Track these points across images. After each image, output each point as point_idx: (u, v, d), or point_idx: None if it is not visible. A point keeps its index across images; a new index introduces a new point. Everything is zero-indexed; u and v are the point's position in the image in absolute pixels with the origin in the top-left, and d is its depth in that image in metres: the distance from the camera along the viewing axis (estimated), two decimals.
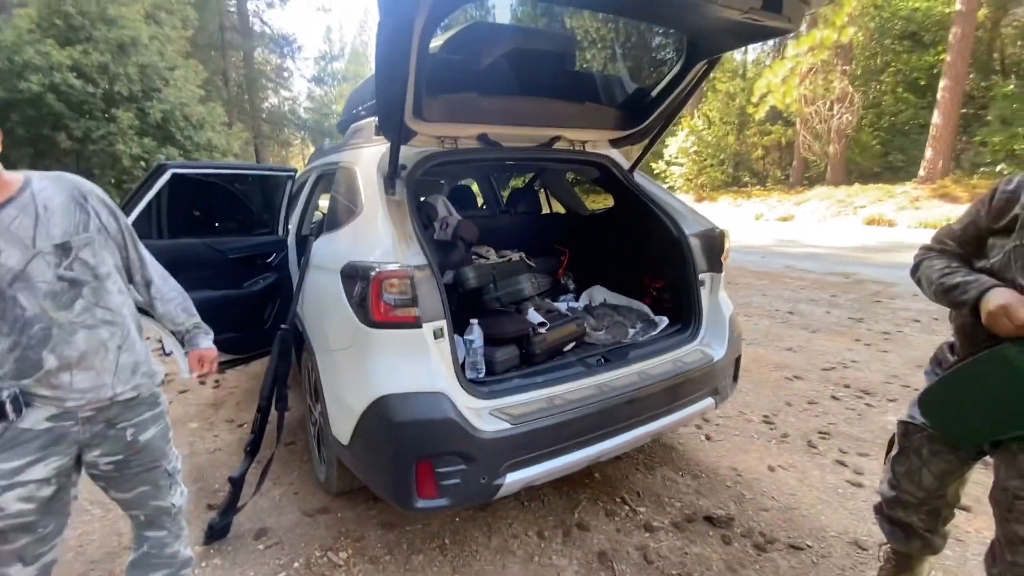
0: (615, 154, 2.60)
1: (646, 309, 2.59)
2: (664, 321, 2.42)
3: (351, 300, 1.68)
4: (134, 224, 2.40)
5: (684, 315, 2.34)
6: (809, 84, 16.23)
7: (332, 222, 2.15)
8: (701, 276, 2.30)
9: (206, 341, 1.58)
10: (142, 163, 10.83)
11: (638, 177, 2.58)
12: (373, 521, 2.14)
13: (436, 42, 2.05)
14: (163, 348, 3.57)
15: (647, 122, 2.43)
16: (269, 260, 3.03)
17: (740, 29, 1.78)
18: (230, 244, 2.86)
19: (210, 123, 12.67)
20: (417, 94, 1.77)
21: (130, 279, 1.42)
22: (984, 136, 14.01)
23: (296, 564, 1.91)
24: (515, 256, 2.72)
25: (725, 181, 20.58)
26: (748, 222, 15.70)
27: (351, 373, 1.73)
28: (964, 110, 14.73)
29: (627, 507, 2.20)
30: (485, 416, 1.65)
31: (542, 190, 3.66)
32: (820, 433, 2.78)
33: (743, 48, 17.69)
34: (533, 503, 2.23)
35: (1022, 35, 16.69)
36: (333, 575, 1.86)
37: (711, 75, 2.17)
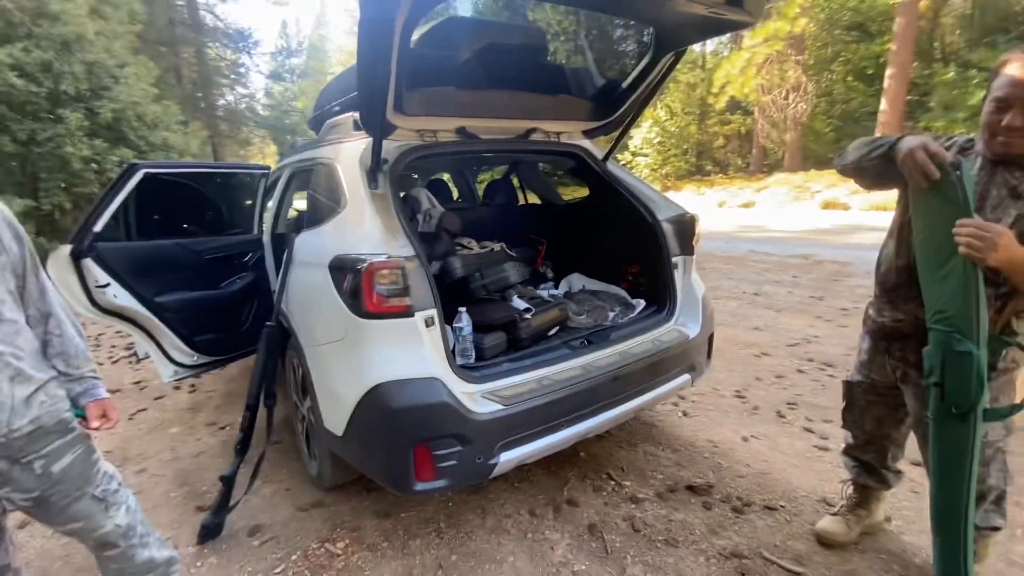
0: (589, 144, 2.69)
1: (623, 293, 2.69)
2: (641, 304, 2.53)
3: (341, 293, 1.70)
4: (106, 226, 2.37)
5: (660, 297, 2.45)
6: (765, 74, 16.80)
7: (314, 218, 2.16)
8: (674, 259, 2.41)
9: (104, 390, 1.44)
10: (94, 165, 10.32)
11: (611, 166, 2.67)
12: (368, 511, 2.17)
13: (413, 36, 2.08)
14: (135, 354, 3.49)
15: (618, 112, 2.53)
16: (246, 259, 3.00)
17: (705, 23, 1.88)
18: (205, 244, 2.82)
19: (165, 122, 12.15)
20: (398, 89, 1.80)
21: (25, 310, 1.29)
22: (927, 122, 14.77)
23: (294, 557, 1.93)
24: (496, 246, 2.78)
25: (689, 170, 21.09)
26: (712, 209, 16.15)
27: (344, 364, 1.76)
28: (909, 97, 15.47)
29: (613, 482, 2.30)
30: (478, 399, 1.71)
31: (519, 181, 3.72)
32: (788, 404, 2.96)
33: (702, 41, 18.17)
34: (523, 484, 2.31)
35: (960, 24, 17.66)
36: (332, 564, 1.89)
37: (677, 66, 2.27)
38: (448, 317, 1.99)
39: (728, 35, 19.50)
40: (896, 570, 1.75)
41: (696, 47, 22.81)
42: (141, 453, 2.76)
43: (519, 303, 2.26)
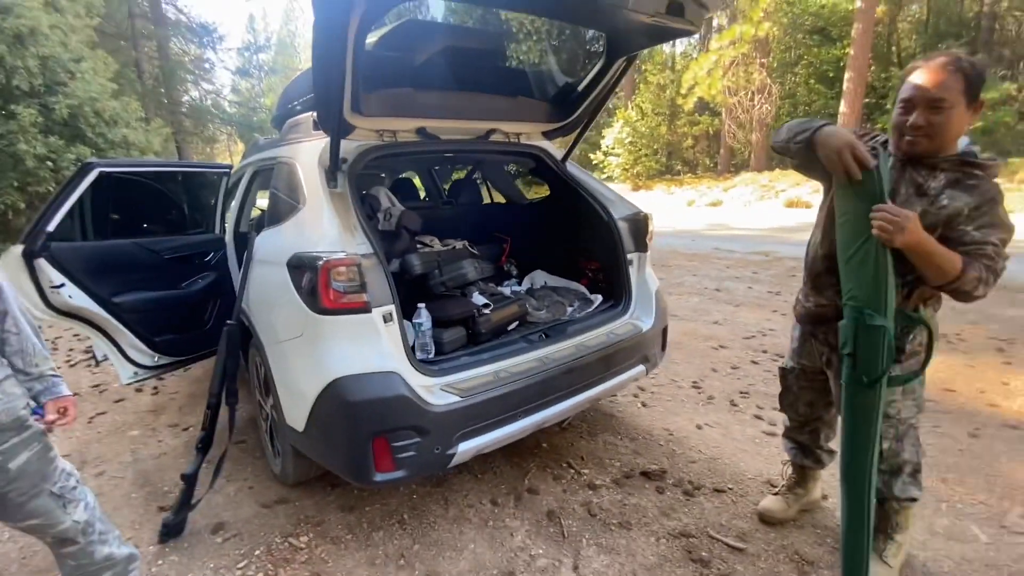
0: (548, 145, 2.77)
1: (583, 289, 2.79)
2: (599, 299, 2.62)
3: (300, 290, 1.74)
4: (59, 226, 2.33)
5: (616, 292, 2.55)
6: (732, 76, 17.25)
7: (274, 217, 2.18)
8: (629, 256, 2.51)
9: (65, 388, 1.47)
10: (49, 163, 9.94)
11: (570, 167, 2.75)
12: (332, 505, 2.21)
13: (371, 38, 2.12)
14: (94, 357, 3.42)
15: (575, 115, 2.61)
16: (207, 259, 2.98)
17: (650, 30, 1.98)
18: (165, 243, 2.79)
19: (124, 119, 11.78)
20: (355, 89, 1.84)
21: None
22: (884, 123, 15.42)
23: (257, 552, 1.96)
24: (459, 244, 2.84)
25: (659, 170, 21.49)
26: (681, 208, 16.51)
27: (303, 360, 1.79)
28: (867, 99, 16.14)
29: (572, 470, 2.39)
30: (436, 391, 1.77)
31: (483, 181, 3.78)
32: (741, 393, 3.10)
33: (671, 42, 18.46)
34: (486, 475, 2.38)
35: (916, 30, 18.47)
36: (295, 558, 1.92)
37: (632, 71, 2.37)
38: (409, 313, 2.05)
39: (696, 37, 19.95)
40: (829, 543, 1.88)
41: (666, 48, 23.30)
42: (100, 456, 2.72)
43: (479, 299, 2.32)
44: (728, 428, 2.72)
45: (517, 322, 2.38)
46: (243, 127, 23.67)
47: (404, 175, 4.26)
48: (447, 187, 4.21)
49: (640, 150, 20.49)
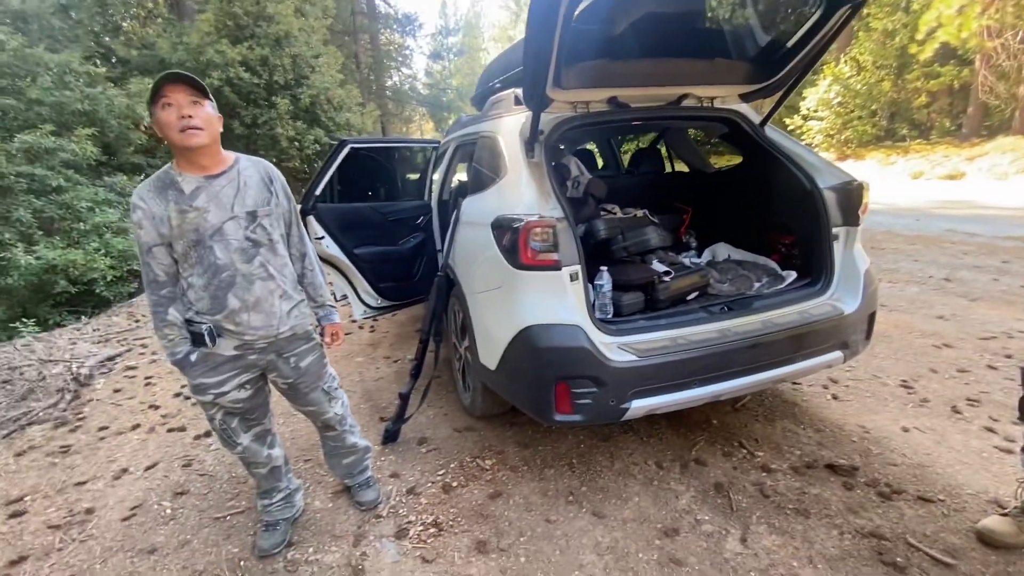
0: (745, 109, 2.60)
1: (773, 264, 2.60)
2: (792, 275, 2.43)
3: (501, 248, 1.98)
4: (321, 192, 2.98)
5: (814, 269, 2.34)
6: (994, 12, 13.42)
7: (477, 184, 2.48)
8: (835, 230, 2.27)
9: (337, 317, 1.90)
10: (296, 143, 12.40)
11: (769, 131, 2.56)
12: (510, 440, 2.51)
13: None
14: (334, 294, 4.31)
15: (781, 74, 2.40)
16: (418, 221, 3.51)
17: None
18: (389, 207, 3.37)
19: (348, 104, 14.03)
20: (557, 65, 1.98)
21: (289, 249, 1.72)
22: None
23: (452, 465, 2.35)
24: (639, 213, 2.86)
25: (876, 135, 17.95)
26: (903, 181, 13.73)
27: (500, 309, 2.06)
28: None
29: (744, 451, 2.32)
30: (614, 349, 1.89)
31: (665, 150, 3.70)
32: (968, 400, 2.61)
33: None
34: (651, 439, 2.45)
35: None
36: (482, 476, 2.26)
37: (854, 20, 2.08)
38: (591, 275, 2.18)
39: None
40: None
41: None
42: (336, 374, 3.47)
43: (659, 267, 2.35)
44: (945, 436, 2.34)
45: (697, 292, 2.35)
46: (433, 107, 26.21)
47: (584, 145, 4.37)
48: (626, 156, 4.20)
49: (852, 111, 17.32)
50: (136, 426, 2.92)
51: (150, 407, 3.15)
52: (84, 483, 2.40)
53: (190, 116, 1.43)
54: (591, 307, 1.96)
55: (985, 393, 2.67)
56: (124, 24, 13.33)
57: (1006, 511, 1.74)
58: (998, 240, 6.05)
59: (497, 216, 2.04)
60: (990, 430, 2.35)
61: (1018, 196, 9.56)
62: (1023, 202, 8.83)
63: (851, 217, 2.26)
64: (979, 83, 15.04)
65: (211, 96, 1.51)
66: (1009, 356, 3.05)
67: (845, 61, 17.46)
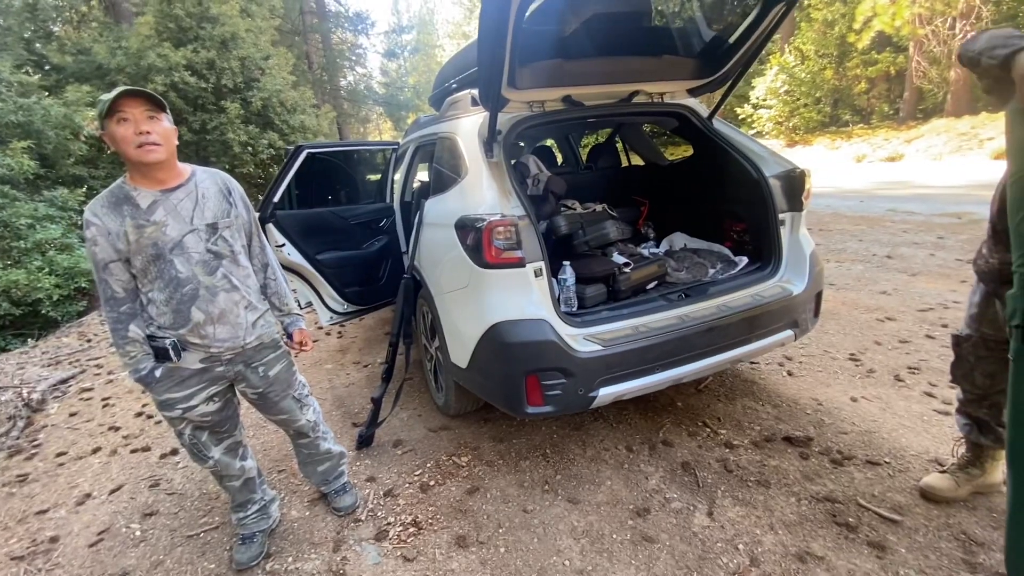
0: (694, 103, 2.71)
1: (726, 251, 2.73)
2: (744, 260, 2.56)
3: (466, 248, 2.02)
4: (280, 199, 2.93)
5: (764, 254, 2.46)
6: (925, 1, 14.24)
7: (439, 185, 2.50)
8: (781, 216, 2.40)
9: (303, 323, 1.90)
10: (249, 148, 12.01)
11: (717, 123, 2.67)
12: (485, 436, 2.55)
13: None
14: (298, 301, 4.24)
15: (725, 69, 2.51)
16: (381, 224, 3.50)
17: None
18: (350, 211, 3.34)
19: (301, 106, 13.66)
20: (511, 65, 2.02)
21: (251, 260, 1.72)
22: None
23: (428, 464, 2.37)
24: (598, 207, 2.94)
25: (822, 122, 18.76)
26: (847, 165, 14.40)
27: (467, 307, 2.09)
28: None
29: (708, 429, 2.44)
30: (580, 340, 1.95)
31: (621, 144, 3.79)
32: (910, 368, 2.81)
33: None
34: (620, 425, 2.54)
35: None
36: (459, 473, 2.29)
37: (794, 11, 2.19)
38: (554, 270, 2.24)
39: None
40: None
41: None
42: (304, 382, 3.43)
43: (619, 258, 2.43)
44: (889, 403, 2.52)
45: (657, 282, 2.44)
46: (391, 106, 25.79)
47: (543, 143, 4.43)
48: (584, 152, 4.28)
49: (798, 99, 18.06)
50: (97, 449, 2.82)
51: (110, 429, 3.04)
52: (46, 511, 2.31)
53: (148, 132, 1.40)
54: (556, 301, 2.02)
55: (924, 361, 2.88)
56: (56, 29, 12.61)
57: (944, 468, 1.89)
58: (934, 218, 6.46)
59: (460, 216, 2.07)
60: (930, 395, 2.54)
61: (952, 175, 10.20)
62: (956, 181, 9.43)
63: (795, 203, 2.39)
64: (913, 68, 15.92)
65: (168, 110, 1.48)
66: (945, 325, 3.29)
67: (790, 51, 18.17)
